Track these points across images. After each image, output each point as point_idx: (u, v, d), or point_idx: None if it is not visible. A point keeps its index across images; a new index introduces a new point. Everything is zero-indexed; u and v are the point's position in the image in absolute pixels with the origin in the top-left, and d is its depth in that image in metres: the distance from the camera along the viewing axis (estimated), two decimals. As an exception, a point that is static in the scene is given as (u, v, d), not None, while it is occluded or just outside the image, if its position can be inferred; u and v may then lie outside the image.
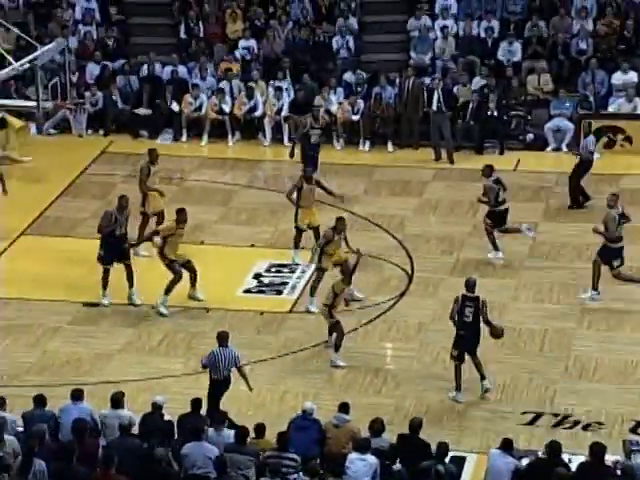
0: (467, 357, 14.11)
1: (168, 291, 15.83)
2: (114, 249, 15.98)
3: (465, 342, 14.00)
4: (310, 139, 18.85)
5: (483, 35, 22.41)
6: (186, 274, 16.01)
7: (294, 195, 16.96)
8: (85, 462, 11.21)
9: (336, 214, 16.70)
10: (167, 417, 12.38)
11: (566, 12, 22.37)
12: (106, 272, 16.01)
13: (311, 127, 19.15)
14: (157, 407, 12.34)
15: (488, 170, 17.29)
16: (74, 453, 11.12)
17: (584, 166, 18.87)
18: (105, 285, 16.04)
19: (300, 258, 17.03)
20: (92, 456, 11.42)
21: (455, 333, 14.04)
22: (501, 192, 17.13)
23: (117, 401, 12.27)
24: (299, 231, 17.08)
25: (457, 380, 14.06)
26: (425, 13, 22.60)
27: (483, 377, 14.15)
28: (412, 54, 22.29)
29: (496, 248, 17.28)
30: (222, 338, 13.35)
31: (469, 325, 13.98)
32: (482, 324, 14.06)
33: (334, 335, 14.79)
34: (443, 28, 22.33)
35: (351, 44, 22.38)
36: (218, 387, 13.20)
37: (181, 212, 16.06)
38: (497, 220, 17.17)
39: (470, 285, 14.12)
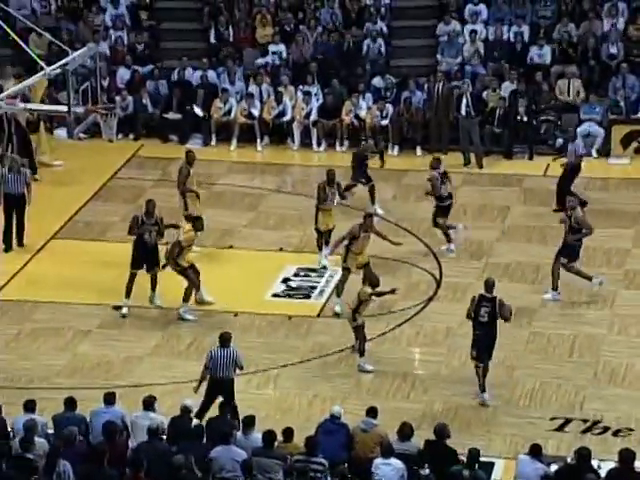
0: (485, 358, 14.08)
1: (187, 299, 15.85)
2: (143, 254, 16.05)
3: (480, 343, 13.95)
4: (366, 159, 18.77)
5: (512, 40, 22.36)
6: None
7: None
8: (115, 464, 11.29)
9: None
10: (195, 420, 12.44)
11: (595, 15, 22.26)
12: (132, 276, 15.99)
13: (372, 151, 19.15)
14: (186, 410, 12.40)
15: (435, 162, 17.61)
16: (105, 455, 11.19)
17: (574, 170, 18.75)
18: (129, 292, 15.99)
19: (326, 259, 17.06)
20: (121, 457, 11.49)
21: (472, 333, 14.03)
22: (445, 186, 17.23)
23: (150, 404, 12.33)
24: (320, 233, 17.13)
25: (480, 381, 14.04)
26: (454, 18, 22.57)
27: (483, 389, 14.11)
28: (439, 57, 22.25)
29: (449, 240, 17.44)
30: (223, 339, 13.39)
31: (484, 325, 13.94)
32: (498, 326, 13.99)
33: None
34: (472, 32, 22.31)
35: (382, 48, 22.37)
36: (215, 386, 13.22)
37: (198, 220, 16.09)
38: (443, 214, 17.31)
39: (489, 285, 14.07)
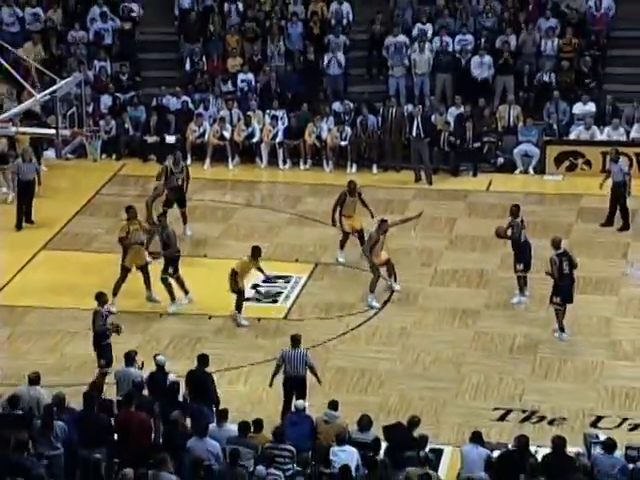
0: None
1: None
2: None
3: (565, 291, 15.12)
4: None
5: (458, 48, 22.24)
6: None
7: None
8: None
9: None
10: (171, 376, 12.87)
11: (534, 27, 22.22)
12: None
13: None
14: (160, 366, 12.85)
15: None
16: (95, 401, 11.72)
17: (623, 187, 18.56)
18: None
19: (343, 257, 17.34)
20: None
21: (554, 285, 15.12)
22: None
23: (131, 359, 12.80)
24: (345, 234, 17.32)
25: (560, 322, 15.18)
26: (402, 33, 22.46)
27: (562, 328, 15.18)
28: (389, 62, 22.09)
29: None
30: (294, 341, 13.52)
31: (567, 276, 15.14)
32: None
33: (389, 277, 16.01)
34: (420, 42, 22.02)
35: (342, 61, 22.27)
36: (290, 384, 13.38)
37: (129, 210, 16.35)
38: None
39: (557, 243, 15.29)
